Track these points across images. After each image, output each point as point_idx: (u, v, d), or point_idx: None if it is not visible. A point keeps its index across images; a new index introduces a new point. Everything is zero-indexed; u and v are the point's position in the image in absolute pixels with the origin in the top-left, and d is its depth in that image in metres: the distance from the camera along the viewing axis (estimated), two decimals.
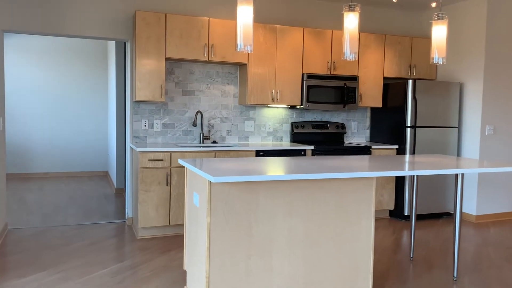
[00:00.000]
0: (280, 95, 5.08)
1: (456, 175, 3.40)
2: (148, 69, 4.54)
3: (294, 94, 5.14)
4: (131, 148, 4.84)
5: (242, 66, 5.10)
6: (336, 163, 3.23)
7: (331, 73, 5.31)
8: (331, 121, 5.70)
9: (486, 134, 5.28)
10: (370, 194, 3.07)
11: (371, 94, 5.51)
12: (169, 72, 4.95)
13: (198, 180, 2.87)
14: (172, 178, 4.42)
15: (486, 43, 5.19)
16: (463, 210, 5.50)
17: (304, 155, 4.94)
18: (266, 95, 5.02)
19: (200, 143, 5.05)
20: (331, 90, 5.24)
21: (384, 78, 5.74)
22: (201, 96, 5.10)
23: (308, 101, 5.15)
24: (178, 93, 5.00)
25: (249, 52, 2.89)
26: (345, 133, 5.68)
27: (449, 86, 5.41)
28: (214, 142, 5.15)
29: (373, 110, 5.90)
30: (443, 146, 5.42)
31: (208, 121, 5.15)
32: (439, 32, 3.46)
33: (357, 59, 3.15)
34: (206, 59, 4.73)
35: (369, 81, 5.50)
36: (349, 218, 3.03)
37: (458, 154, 5.55)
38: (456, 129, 5.48)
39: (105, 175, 8.60)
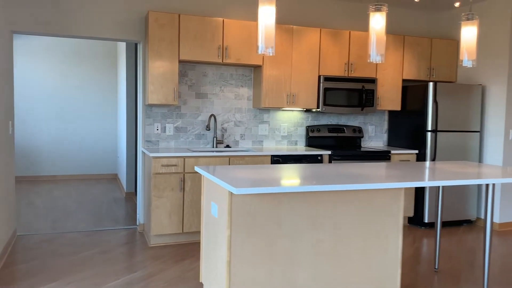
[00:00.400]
0: (296, 98, 4.92)
1: (487, 184, 3.22)
2: (161, 72, 4.40)
3: (310, 97, 4.98)
4: (143, 153, 4.70)
5: (257, 68, 4.94)
6: (360, 171, 3.06)
7: (349, 75, 5.14)
8: (347, 124, 5.53)
9: (510, 138, 5.09)
10: (398, 205, 2.90)
11: (389, 97, 5.33)
12: (182, 74, 4.80)
13: (217, 190, 2.72)
14: (185, 184, 4.28)
15: (511, 43, 4.99)
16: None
17: (321, 160, 4.77)
18: (281, 98, 4.86)
19: (213, 147, 4.91)
20: (348, 92, 5.07)
21: (403, 80, 5.56)
22: (214, 99, 4.95)
23: (324, 104, 4.99)
24: (191, 96, 4.86)
25: (270, 55, 2.74)
26: (362, 137, 5.50)
27: (471, 89, 5.22)
28: (228, 146, 5.00)
29: (391, 113, 5.72)
30: (465, 151, 5.23)
31: (222, 124, 5.00)
32: (468, 33, 3.28)
33: (383, 61, 2.98)
34: (220, 61, 4.59)
35: (388, 83, 5.32)
36: (376, 230, 2.86)
37: (480, 159, 5.36)
38: (478, 133, 5.29)
39: (114, 178, 8.48)
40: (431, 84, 5.05)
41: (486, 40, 5.29)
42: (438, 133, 5.10)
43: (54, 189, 7.19)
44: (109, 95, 8.45)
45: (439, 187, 3.71)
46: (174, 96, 4.45)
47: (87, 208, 5.82)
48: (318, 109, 4.99)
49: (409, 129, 5.39)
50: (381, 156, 5.01)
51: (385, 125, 5.77)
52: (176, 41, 4.43)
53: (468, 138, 5.24)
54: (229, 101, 5.01)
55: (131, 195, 6.66)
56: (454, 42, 5.63)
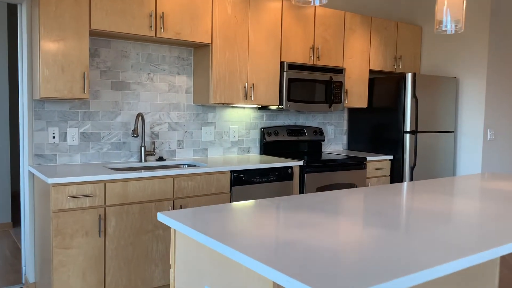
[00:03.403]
0: (255, 91, 3.66)
1: None
2: (61, 49, 2.79)
3: (271, 90, 3.76)
4: (32, 174, 3.03)
5: (200, 49, 3.57)
6: (423, 204, 1.94)
7: (314, 63, 4.03)
8: (306, 125, 4.43)
9: (488, 139, 4.47)
10: (494, 272, 1.85)
11: (356, 91, 4.36)
12: (90, 53, 3.22)
13: (226, 267, 1.37)
14: (107, 223, 2.76)
15: (491, 27, 4.35)
16: None
17: (292, 173, 3.59)
18: (237, 91, 3.56)
19: (141, 161, 3.41)
20: (315, 85, 3.97)
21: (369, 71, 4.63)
22: (140, 91, 3.45)
23: (289, 99, 3.81)
24: (106, 87, 3.30)
25: (324, 2, 1.46)
26: (324, 140, 4.45)
27: (445, 82, 4.49)
28: (161, 158, 3.54)
29: (352, 111, 4.77)
30: (439, 155, 4.48)
31: (151, 128, 3.52)
32: None
33: (462, 29, 1.90)
34: (152, 34, 3.12)
35: (355, 74, 4.34)
36: None
37: (454, 164, 4.68)
38: (452, 133, 4.59)
39: None
40: (409, 76, 4.18)
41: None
42: (418, 134, 4.27)
43: None
44: None
45: None
46: (83, 85, 2.88)
47: None
48: (281, 106, 3.80)
49: (377, 130, 4.49)
50: (357, 164, 4.00)
51: (345, 126, 4.80)
52: (86, 1, 2.85)
53: (443, 139, 4.51)
54: (161, 95, 3.55)
55: (7, 227, 4.75)
56: (418, 28, 4.88)
